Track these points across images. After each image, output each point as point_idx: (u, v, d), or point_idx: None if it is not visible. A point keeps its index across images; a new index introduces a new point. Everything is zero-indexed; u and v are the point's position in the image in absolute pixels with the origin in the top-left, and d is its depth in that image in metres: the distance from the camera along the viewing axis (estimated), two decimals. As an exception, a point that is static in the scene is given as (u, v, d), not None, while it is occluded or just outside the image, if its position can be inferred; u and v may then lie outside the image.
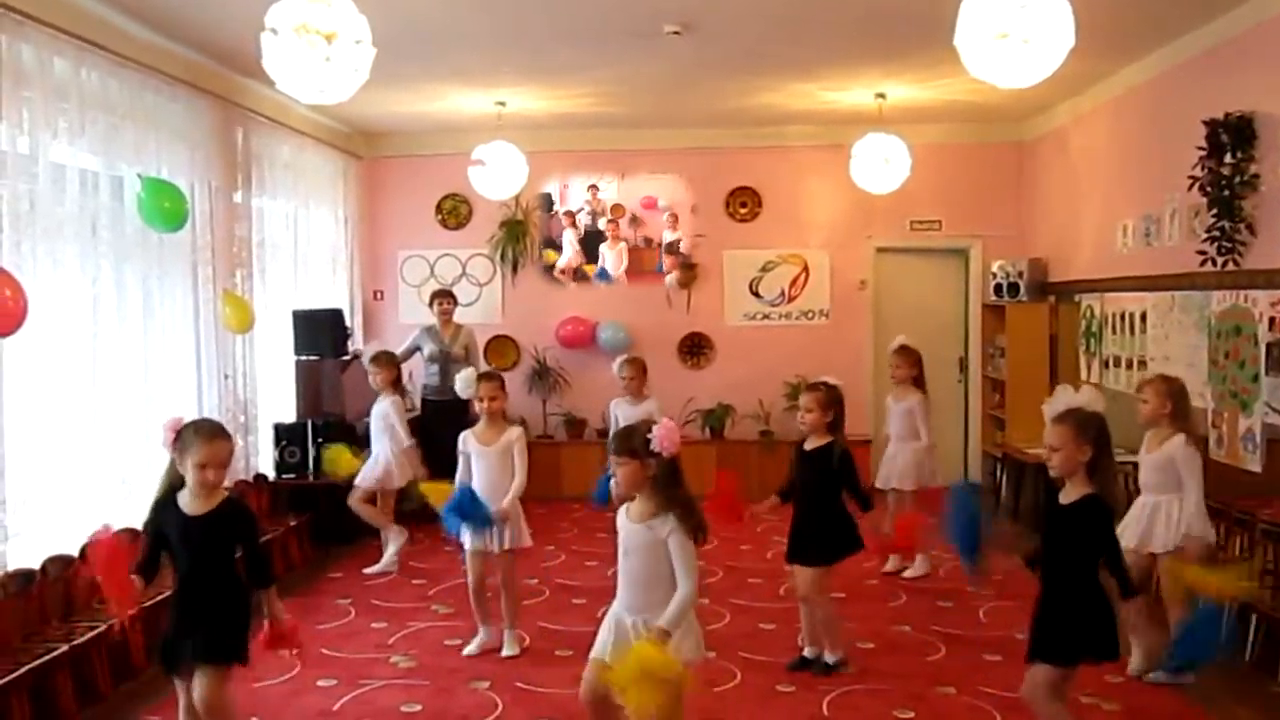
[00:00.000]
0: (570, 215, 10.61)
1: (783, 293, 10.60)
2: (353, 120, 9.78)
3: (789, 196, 10.57)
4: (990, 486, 9.88)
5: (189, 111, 7.05)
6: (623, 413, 7.07)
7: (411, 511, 7.52)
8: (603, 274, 10.64)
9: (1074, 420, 3.99)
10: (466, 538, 5.79)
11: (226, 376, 7.47)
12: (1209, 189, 6.53)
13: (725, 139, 10.32)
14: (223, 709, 4.00)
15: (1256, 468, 6.14)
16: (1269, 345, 6.04)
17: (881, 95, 8.69)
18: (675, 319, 10.62)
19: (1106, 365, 8.34)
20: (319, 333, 8.66)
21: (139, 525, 6.13)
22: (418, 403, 9.12)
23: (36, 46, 5.44)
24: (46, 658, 4.78)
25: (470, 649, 5.87)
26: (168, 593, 4.29)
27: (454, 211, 10.69)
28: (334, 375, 8.69)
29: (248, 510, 4.30)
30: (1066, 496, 4.01)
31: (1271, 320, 6.03)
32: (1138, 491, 5.39)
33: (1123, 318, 8.04)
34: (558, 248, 10.65)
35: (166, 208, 6.16)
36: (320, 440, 8.14)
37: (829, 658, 5.47)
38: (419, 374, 9.25)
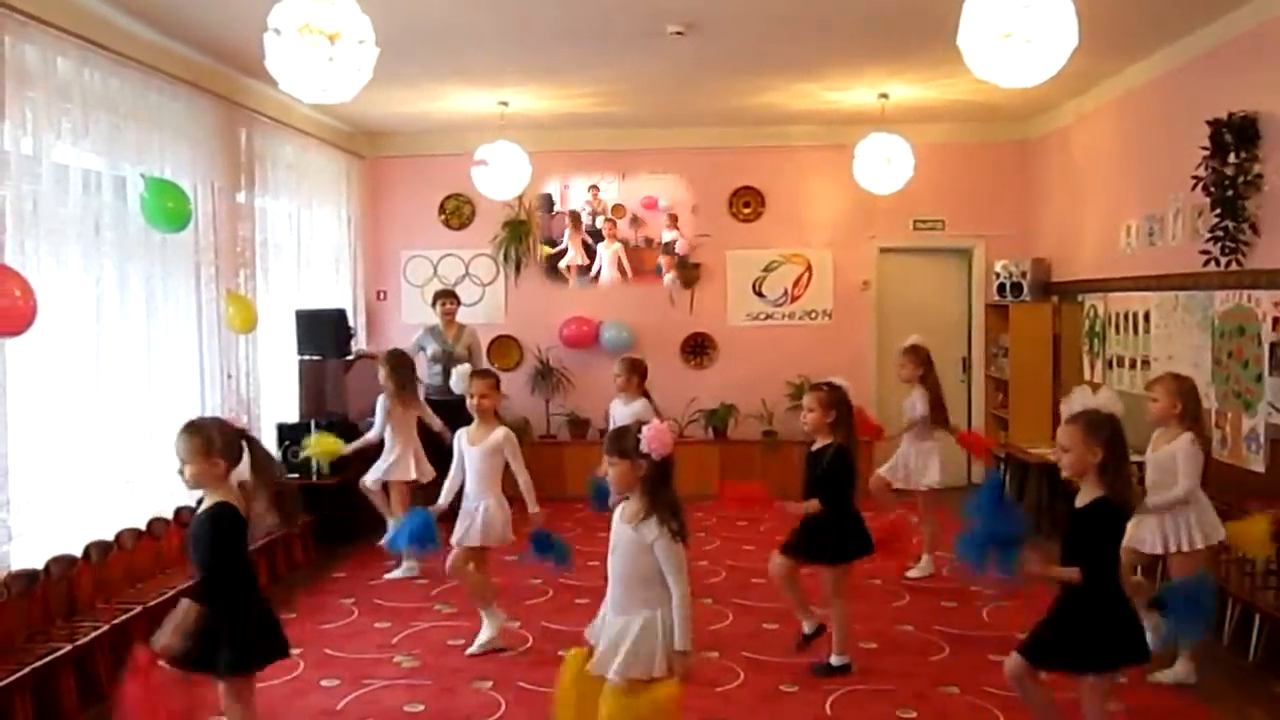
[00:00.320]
0: (575, 216, 10.61)
1: (786, 293, 10.60)
2: (356, 120, 9.79)
3: (792, 196, 10.56)
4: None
5: (192, 111, 7.06)
6: (618, 413, 7.10)
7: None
8: (584, 275, 10.68)
9: (1085, 422, 3.96)
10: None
11: (229, 376, 7.47)
12: (1212, 189, 6.52)
13: (728, 139, 10.32)
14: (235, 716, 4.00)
15: (1260, 468, 6.13)
16: (1272, 345, 6.04)
17: (884, 95, 8.69)
18: (678, 319, 10.62)
19: (1110, 365, 8.33)
20: (322, 333, 8.66)
21: (142, 525, 6.20)
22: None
23: (40, 47, 5.45)
24: (50, 658, 4.79)
25: (472, 648, 5.88)
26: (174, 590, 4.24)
27: (457, 211, 10.69)
28: (337, 375, 8.69)
29: (217, 523, 3.91)
30: (1080, 500, 3.99)
31: (1275, 320, 6.02)
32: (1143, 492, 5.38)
33: (1126, 318, 8.03)
34: (558, 247, 10.66)
35: (170, 208, 6.16)
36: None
37: (834, 660, 5.47)
38: (422, 374, 9.23)
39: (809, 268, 10.59)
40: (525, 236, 10.54)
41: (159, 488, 6.31)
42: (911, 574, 7.27)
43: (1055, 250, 9.66)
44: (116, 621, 5.29)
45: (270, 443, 8.13)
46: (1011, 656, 4.08)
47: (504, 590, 7.01)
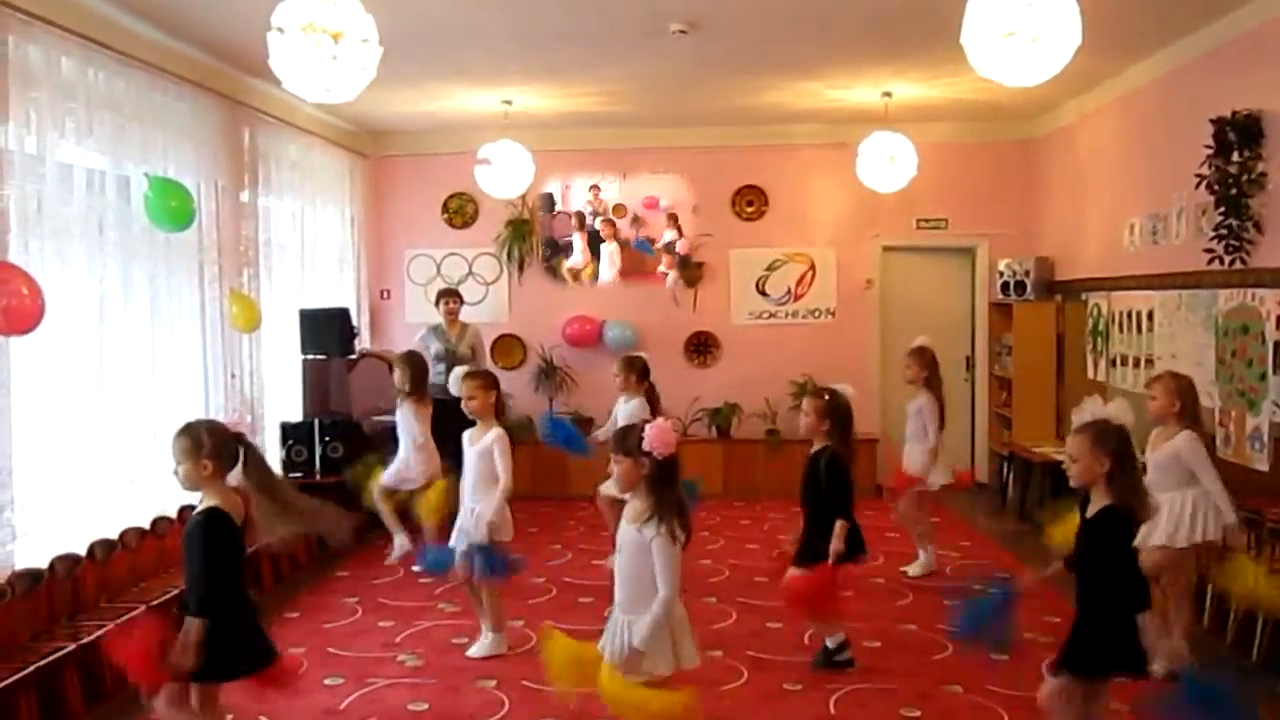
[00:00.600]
0: (580, 217, 10.61)
1: (789, 291, 10.59)
2: (359, 119, 9.79)
3: (795, 195, 10.56)
4: (997, 485, 9.87)
5: (196, 111, 7.06)
6: (619, 411, 7.12)
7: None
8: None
9: (1092, 432, 3.94)
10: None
11: (233, 375, 7.48)
12: (1216, 187, 6.52)
13: (731, 138, 10.32)
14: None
15: (1264, 466, 6.13)
16: (1276, 344, 6.02)
17: (888, 94, 8.68)
18: (681, 318, 10.62)
19: (1113, 364, 8.32)
20: (326, 332, 8.66)
21: (146, 524, 6.21)
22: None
23: (44, 46, 5.46)
24: (54, 656, 4.80)
25: (472, 652, 5.87)
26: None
27: (460, 210, 10.70)
28: (341, 374, 8.69)
29: (203, 528, 3.87)
30: (1090, 510, 3.99)
31: (1279, 319, 6.02)
32: None
33: (1130, 316, 8.02)
34: (559, 248, 10.66)
35: (173, 207, 6.17)
36: (328, 439, 8.15)
37: (829, 642, 5.48)
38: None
39: (812, 267, 10.58)
40: (529, 235, 10.55)
41: (163, 487, 6.29)
42: (911, 571, 7.28)
43: (1059, 249, 9.65)
44: (121, 620, 5.28)
45: (274, 442, 8.15)
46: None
47: (507, 590, 7.00)
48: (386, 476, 7.39)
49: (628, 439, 3.90)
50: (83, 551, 5.60)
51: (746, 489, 9.81)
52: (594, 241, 10.64)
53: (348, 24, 4.52)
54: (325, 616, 6.54)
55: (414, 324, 9.93)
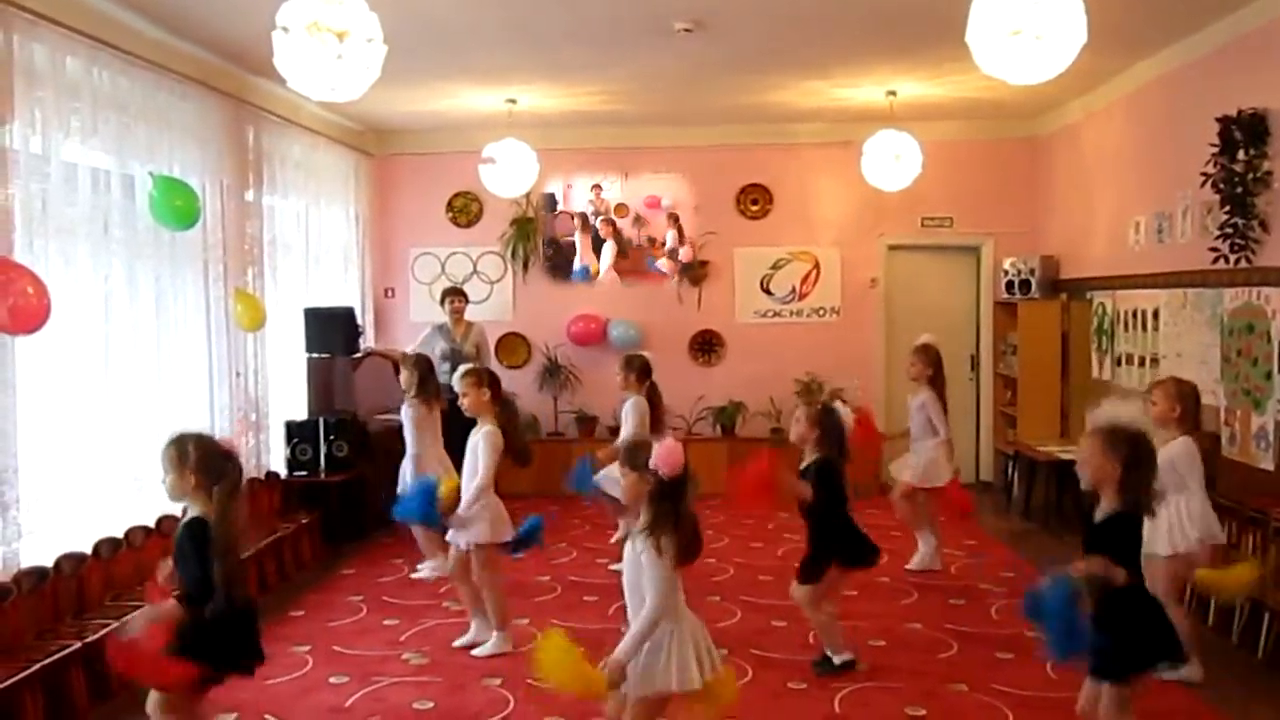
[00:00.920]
0: (584, 218, 10.61)
1: (794, 290, 10.59)
2: (364, 118, 9.80)
3: (800, 194, 10.56)
4: (1002, 485, 9.87)
5: (200, 110, 7.07)
6: (622, 409, 7.18)
7: None
8: (583, 272, 10.65)
9: (1104, 435, 3.91)
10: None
11: (238, 374, 7.49)
12: (1222, 186, 6.51)
13: (736, 136, 10.31)
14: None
15: (1269, 465, 6.11)
16: (1282, 343, 6.02)
17: (893, 92, 8.68)
18: (686, 316, 10.62)
19: (1119, 363, 8.31)
20: (330, 330, 8.67)
21: (151, 522, 6.22)
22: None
23: (49, 46, 5.47)
24: (59, 654, 4.81)
25: (460, 641, 5.89)
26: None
27: (465, 209, 10.71)
28: (345, 373, 8.71)
29: (188, 538, 3.87)
30: (1099, 513, 3.96)
31: (1285, 317, 6.01)
32: None
33: (1135, 315, 8.01)
34: (561, 248, 10.66)
35: (178, 206, 6.17)
36: (332, 438, 8.10)
37: (835, 659, 5.47)
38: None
39: (817, 265, 10.58)
40: (533, 234, 10.56)
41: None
42: (912, 566, 7.28)
43: (1064, 247, 9.64)
44: (126, 619, 5.29)
45: (279, 441, 8.16)
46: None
47: (511, 588, 7.02)
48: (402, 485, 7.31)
49: (636, 455, 3.86)
50: (88, 550, 5.61)
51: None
52: (597, 242, 10.63)
53: (352, 23, 4.53)
54: (330, 615, 6.54)
55: (418, 323, 9.95)
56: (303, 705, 5.12)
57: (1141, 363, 7.87)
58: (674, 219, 10.55)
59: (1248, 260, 6.37)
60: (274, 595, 6.88)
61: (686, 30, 6.73)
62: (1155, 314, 7.65)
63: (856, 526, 5.46)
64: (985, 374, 10.53)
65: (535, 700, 5.12)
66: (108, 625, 5.16)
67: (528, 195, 10.00)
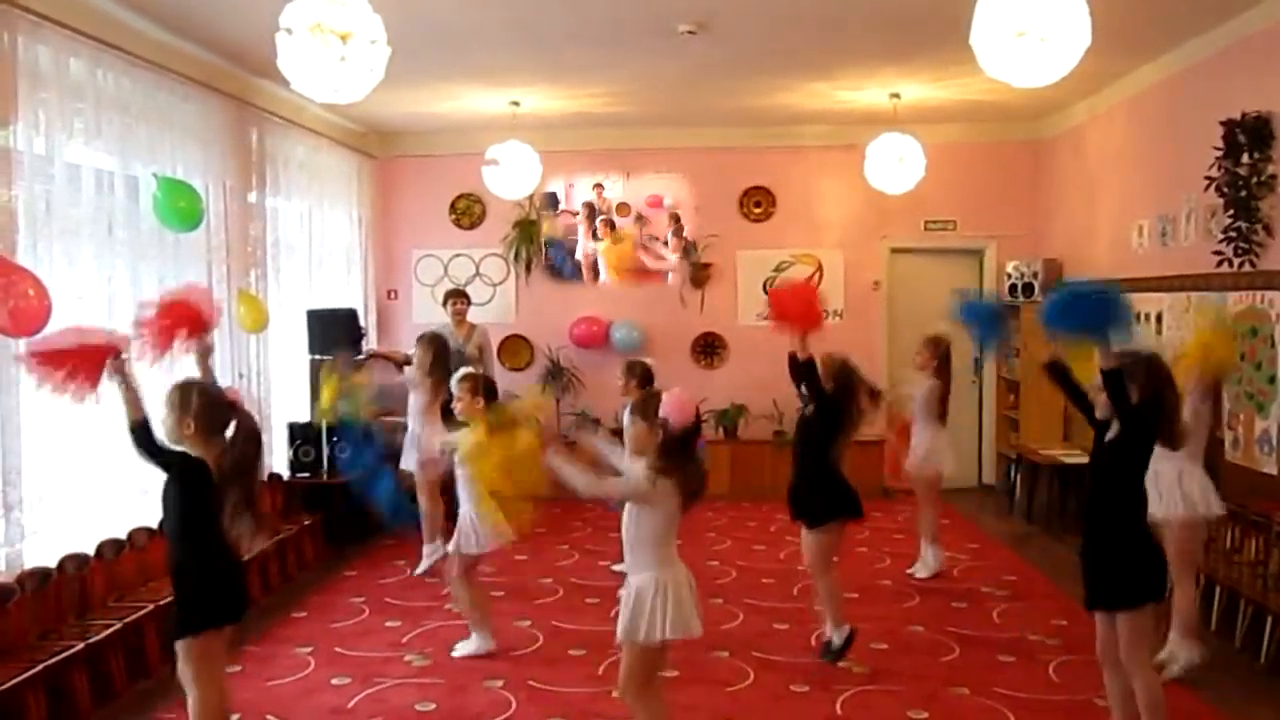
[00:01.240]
0: (590, 208, 10.61)
1: (796, 292, 10.57)
2: (367, 120, 9.81)
3: (803, 196, 10.56)
4: (1004, 488, 9.85)
5: (204, 111, 7.08)
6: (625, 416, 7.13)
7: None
8: (574, 271, 10.67)
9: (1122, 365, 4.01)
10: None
11: (241, 376, 7.49)
12: (1225, 189, 6.50)
13: (740, 138, 10.32)
14: (189, 685, 3.89)
15: (1273, 470, 6.11)
16: (1286, 346, 6.01)
17: (896, 95, 8.68)
18: (688, 319, 10.62)
19: (1122, 366, 8.28)
20: (333, 332, 8.67)
21: (154, 523, 6.21)
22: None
23: (52, 47, 5.48)
24: (63, 655, 4.80)
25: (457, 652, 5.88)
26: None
27: (468, 211, 10.71)
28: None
29: (176, 473, 3.90)
30: (1110, 433, 4.01)
31: (1288, 321, 6.00)
32: None
33: (1138, 318, 7.99)
34: (561, 247, 10.67)
35: (182, 207, 6.17)
36: (335, 439, 8.12)
37: (835, 637, 5.47)
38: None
39: (820, 268, 10.57)
40: (536, 236, 10.56)
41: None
42: (919, 574, 7.25)
43: (1067, 250, 9.62)
44: (129, 620, 5.30)
45: (281, 442, 8.15)
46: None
47: (513, 590, 7.04)
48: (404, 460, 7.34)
49: (648, 405, 3.95)
50: (91, 551, 5.61)
51: (753, 490, 9.79)
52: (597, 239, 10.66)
53: (356, 25, 4.53)
54: (332, 616, 6.54)
55: (421, 324, 9.92)
56: (305, 706, 5.12)
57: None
58: (675, 218, 10.55)
59: (1251, 264, 6.37)
60: (277, 596, 6.88)
61: (690, 32, 6.73)
62: (1159, 317, 7.64)
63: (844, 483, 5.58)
64: (988, 377, 10.51)
65: (537, 701, 5.13)
66: (110, 626, 5.17)
67: (531, 197, 10.00)
